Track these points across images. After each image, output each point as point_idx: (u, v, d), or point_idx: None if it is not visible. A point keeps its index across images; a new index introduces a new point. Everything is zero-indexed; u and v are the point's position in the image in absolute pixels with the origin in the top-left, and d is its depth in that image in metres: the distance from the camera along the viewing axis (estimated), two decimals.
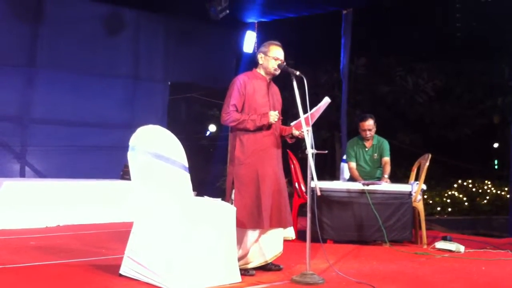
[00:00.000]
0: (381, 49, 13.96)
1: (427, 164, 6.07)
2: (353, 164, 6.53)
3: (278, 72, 4.46)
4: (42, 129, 8.48)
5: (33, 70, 8.48)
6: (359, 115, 7.60)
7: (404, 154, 9.15)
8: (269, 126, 4.39)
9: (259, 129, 4.35)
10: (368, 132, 6.43)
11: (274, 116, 4.34)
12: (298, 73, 4.25)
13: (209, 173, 10.97)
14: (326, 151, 4.34)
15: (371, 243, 5.96)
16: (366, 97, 13.37)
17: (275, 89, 4.62)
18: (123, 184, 7.58)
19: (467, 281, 4.32)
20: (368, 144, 6.51)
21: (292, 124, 4.55)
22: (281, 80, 4.61)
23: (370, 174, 6.47)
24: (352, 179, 6.53)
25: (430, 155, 6.16)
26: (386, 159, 6.46)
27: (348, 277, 4.18)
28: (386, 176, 6.23)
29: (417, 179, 6.23)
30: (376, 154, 6.48)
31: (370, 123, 6.43)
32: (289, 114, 4.75)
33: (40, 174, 8.44)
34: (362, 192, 5.97)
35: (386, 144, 6.52)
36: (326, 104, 4.46)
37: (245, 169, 4.34)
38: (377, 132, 6.57)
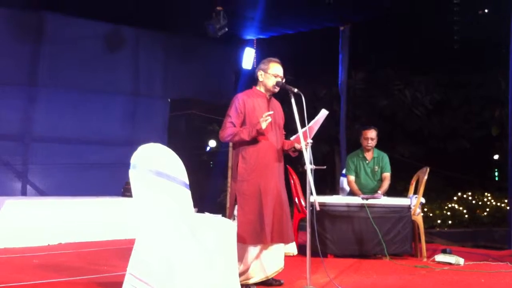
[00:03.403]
0: (379, 63, 14.06)
1: (426, 177, 6.11)
2: (352, 178, 6.58)
3: (277, 89, 4.51)
4: (43, 147, 8.53)
5: (34, 88, 8.55)
6: (358, 128, 7.67)
7: (403, 167, 9.18)
8: (263, 133, 4.34)
9: (259, 141, 4.37)
10: (370, 141, 6.50)
11: (263, 118, 4.25)
12: (296, 90, 4.31)
13: (210, 189, 10.99)
14: (325, 167, 4.39)
15: (371, 256, 5.99)
16: (365, 111, 13.44)
17: (276, 104, 4.66)
18: (125, 201, 7.61)
19: None
20: (369, 156, 6.58)
21: (292, 138, 4.60)
22: (280, 96, 4.67)
23: (371, 186, 6.52)
24: (352, 192, 6.58)
25: (428, 169, 6.21)
26: (386, 174, 6.52)
27: None
28: (379, 192, 6.27)
29: (416, 192, 6.27)
30: (377, 167, 6.54)
31: (372, 132, 6.53)
32: (289, 129, 4.79)
33: (41, 192, 8.47)
34: (361, 206, 6.01)
35: (386, 158, 6.60)
36: (324, 116, 4.51)
37: (247, 185, 4.37)
38: (377, 145, 6.64)
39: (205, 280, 3.80)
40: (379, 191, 6.30)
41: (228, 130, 4.39)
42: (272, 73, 4.48)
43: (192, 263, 3.76)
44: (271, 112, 4.32)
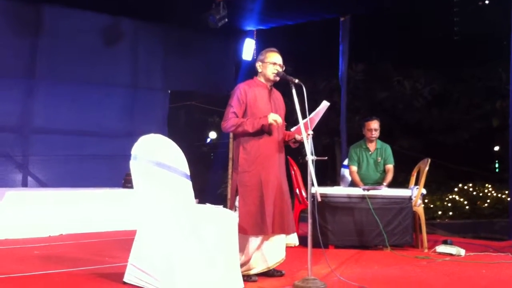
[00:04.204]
0: (379, 55, 14.03)
1: (427, 168, 6.11)
2: (355, 168, 6.58)
3: (277, 78, 4.49)
4: (43, 139, 8.52)
5: (33, 81, 8.52)
6: (359, 120, 7.67)
7: (404, 159, 9.17)
8: (270, 131, 4.39)
9: (261, 133, 4.36)
10: (374, 132, 6.51)
11: (273, 116, 4.31)
12: (297, 80, 4.30)
13: (210, 180, 11.00)
14: (326, 157, 4.38)
15: (372, 247, 6.00)
16: (365, 103, 13.43)
17: (277, 95, 4.64)
18: (125, 192, 7.62)
19: (467, 285, 4.36)
20: (372, 147, 6.58)
21: (292, 129, 4.59)
22: (281, 87, 4.66)
23: (374, 177, 6.52)
24: (353, 183, 6.57)
25: (429, 160, 6.20)
26: (390, 166, 6.52)
27: (350, 282, 4.21)
28: (385, 184, 6.27)
29: (417, 183, 6.27)
30: (380, 158, 6.55)
31: (376, 123, 6.54)
32: (289, 120, 4.79)
33: (42, 184, 8.47)
34: (362, 197, 6.02)
35: (389, 149, 6.61)
36: (325, 108, 4.50)
37: (248, 176, 4.37)
38: (378, 138, 6.63)
39: (206, 270, 3.81)
40: (384, 183, 6.30)
41: (231, 120, 4.38)
42: (270, 61, 4.47)
43: (193, 253, 3.76)
44: (280, 121, 4.33)
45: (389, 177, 6.44)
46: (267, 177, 4.36)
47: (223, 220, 4.02)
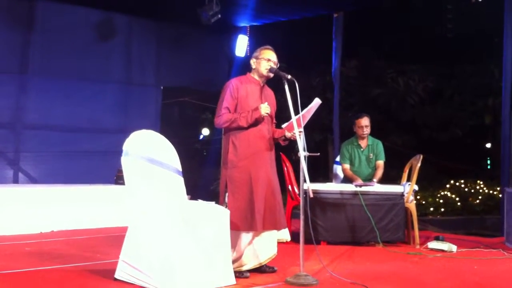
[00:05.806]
0: (372, 52, 14.06)
1: (419, 165, 6.12)
2: (347, 166, 6.57)
3: (271, 74, 4.49)
4: (35, 135, 8.48)
5: (26, 76, 8.48)
6: (351, 116, 7.67)
7: (397, 156, 9.20)
8: (261, 128, 4.40)
9: (251, 128, 4.38)
10: (365, 129, 6.49)
11: (264, 108, 4.34)
12: (289, 77, 4.30)
13: (203, 177, 10.99)
14: (318, 154, 4.39)
15: (364, 244, 6.01)
16: (358, 99, 13.46)
17: (268, 92, 4.64)
18: (117, 188, 7.59)
19: (459, 281, 4.37)
20: (363, 144, 6.57)
21: (283, 126, 4.59)
22: (274, 84, 4.65)
23: (366, 174, 6.51)
24: (346, 180, 6.57)
25: (421, 156, 6.21)
26: (380, 162, 6.51)
27: (342, 278, 4.22)
28: (375, 180, 6.27)
29: (409, 180, 6.28)
30: (372, 154, 6.54)
31: (366, 120, 6.52)
32: (281, 117, 4.78)
33: (33, 180, 8.43)
34: (355, 194, 6.02)
35: (380, 145, 6.60)
36: (317, 105, 4.50)
37: (238, 172, 4.37)
38: (370, 134, 6.63)
39: (198, 267, 3.80)
40: (374, 179, 6.30)
41: (224, 116, 4.38)
42: (264, 58, 4.47)
43: (185, 250, 3.75)
44: (268, 110, 4.33)
45: (379, 173, 6.43)
46: (257, 173, 4.36)
47: (217, 216, 4.01)
